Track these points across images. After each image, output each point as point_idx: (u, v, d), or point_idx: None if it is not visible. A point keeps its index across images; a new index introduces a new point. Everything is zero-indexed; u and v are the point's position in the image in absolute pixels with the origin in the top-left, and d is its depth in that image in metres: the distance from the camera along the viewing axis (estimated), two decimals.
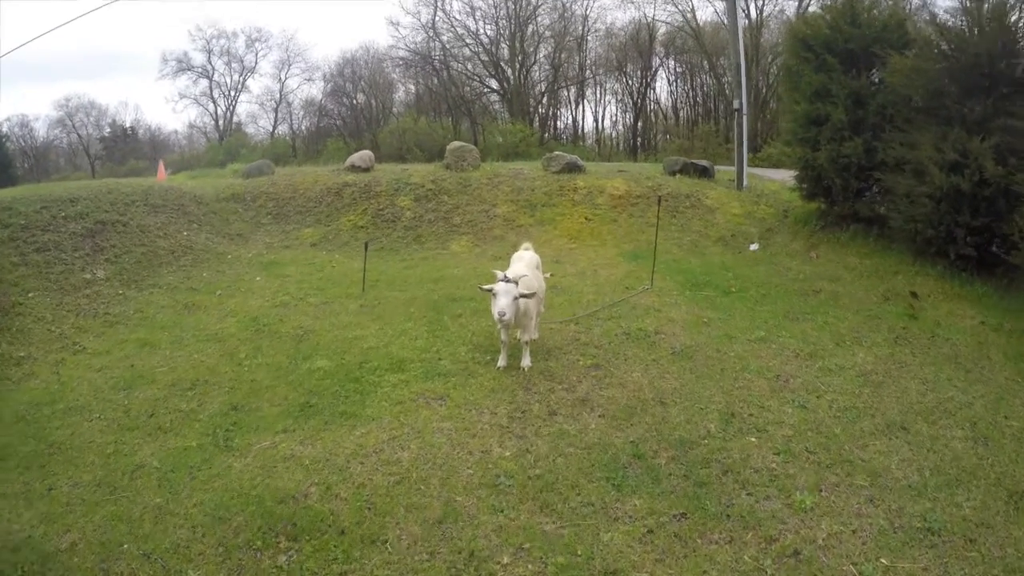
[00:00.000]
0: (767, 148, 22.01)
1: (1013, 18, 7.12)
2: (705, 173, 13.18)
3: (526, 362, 5.36)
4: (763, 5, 29.18)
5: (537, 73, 34.41)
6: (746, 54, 16.42)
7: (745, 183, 12.58)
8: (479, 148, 15.63)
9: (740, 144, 12.87)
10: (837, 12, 9.14)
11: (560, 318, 6.71)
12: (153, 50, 69.61)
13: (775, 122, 27.37)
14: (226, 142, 30.52)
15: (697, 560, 3.14)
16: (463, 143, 14.01)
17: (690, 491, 3.61)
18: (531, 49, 33.31)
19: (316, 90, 43.22)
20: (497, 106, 34.88)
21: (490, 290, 4.93)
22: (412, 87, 36.67)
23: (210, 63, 37.69)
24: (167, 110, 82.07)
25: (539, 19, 32.80)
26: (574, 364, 5.43)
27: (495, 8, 32.26)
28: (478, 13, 32.65)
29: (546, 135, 31.97)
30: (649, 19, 32.46)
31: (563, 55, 33.58)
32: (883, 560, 3.10)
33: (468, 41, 33.29)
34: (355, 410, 4.81)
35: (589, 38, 34.38)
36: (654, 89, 35.63)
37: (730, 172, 13.67)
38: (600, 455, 3.97)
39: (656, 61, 33.89)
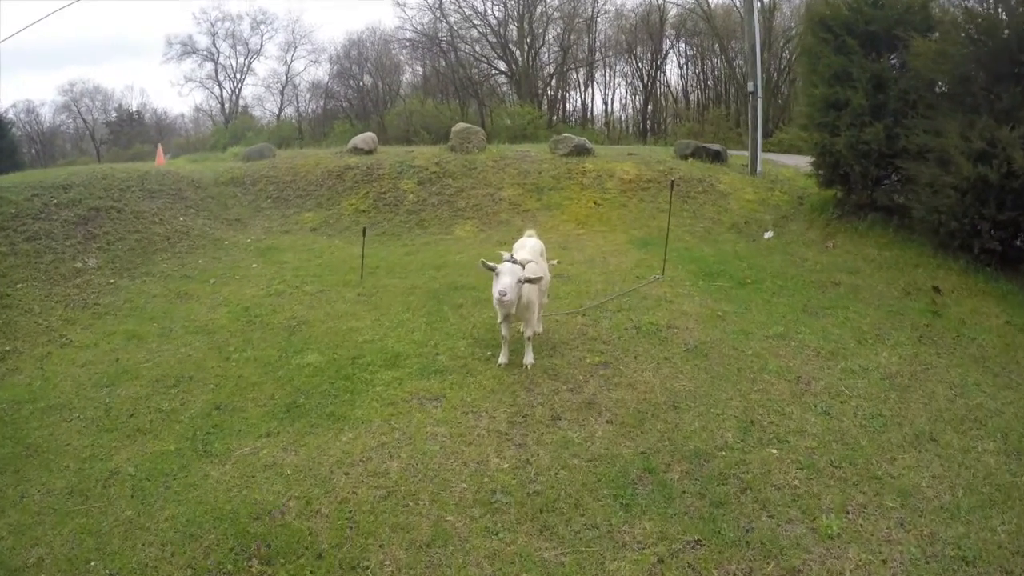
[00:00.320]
0: (779, 133, 21.69)
1: None
2: (718, 157, 12.72)
3: (528, 359, 5.01)
4: None
5: (546, 55, 33.77)
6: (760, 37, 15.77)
7: (759, 168, 12.15)
8: (486, 131, 15.19)
9: (754, 128, 12.40)
10: None
11: (566, 309, 6.32)
12: (157, 34, 69.01)
13: (787, 108, 26.97)
14: (231, 125, 30.17)
15: None
16: (468, 125, 13.56)
17: (706, 512, 3.24)
18: (540, 30, 32.60)
19: (323, 72, 42.73)
20: (505, 88, 34.28)
21: (493, 268, 4.59)
22: (419, 69, 36.11)
23: (215, 46, 37.23)
24: (173, 94, 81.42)
25: (548, 0, 32.04)
26: (580, 361, 5.05)
27: None
28: None
29: (555, 118, 31.32)
30: (660, 1, 31.73)
31: (572, 37, 32.85)
32: None
33: (476, 22, 32.58)
34: (344, 411, 4.47)
35: (599, 20, 33.68)
36: (664, 72, 35.17)
37: (742, 157, 13.23)
38: (607, 468, 3.61)
39: (667, 44, 33.30)
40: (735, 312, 6.18)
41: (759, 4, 24.08)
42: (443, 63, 33.12)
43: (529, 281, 4.60)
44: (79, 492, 3.98)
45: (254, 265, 8.77)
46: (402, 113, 28.78)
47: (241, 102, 37.99)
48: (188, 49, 36.54)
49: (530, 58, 32.47)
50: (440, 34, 32.18)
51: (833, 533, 3.11)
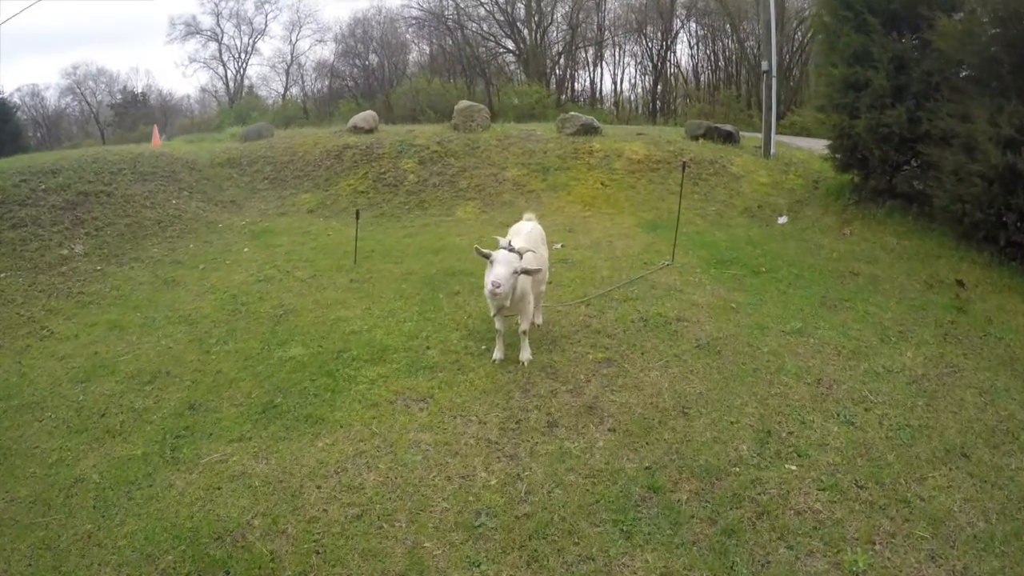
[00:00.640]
0: (791, 115, 21.11)
1: None
2: (730, 138, 12.24)
3: (525, 355, 4.60)
4: None
5: (554, 33, 33.11)
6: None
7: (773, 150, 11.66)
8: (494, 110, 14.68)
9: (768, 108, 11.85)
10: None
11: (570, 299, 5.90)
12: (161, 14, 68.19)
13: (799, 90, 26.32)
14: (236, 105, 29.73)
15: None
16: (472, 102, 13.02)
17: (716, 542, 2.83)
18: (548, 8, 31.78)
19: (328, 52, 42.07)
20: (513, 67, 33.58)
21: (487, 256, 4.16)
22: (426, 48, 35.44)
23: (219, 26, 36.67)
24: (178, 75, 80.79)
25: None
26: (582, 358, 4.64)
27: None
28: None
29: (563, 97, 30.64)
30: None
31: (581, 15, 31.99)
32: None
33: (483, 0, 31.74)
34: (323, 413, 4.11)
35: None
36: (674, 52, 34.66)
37: (755, 139, 12.75)
38: (607, 486, 3.21)
39: (677, 23, 32.63)
40: (749, 304, 5.74)
41: None
42: (450, 42, 32.47)
43: (526, 272, 4.18)
44: (42, 501, 3.69)
45: (246, 249, 8.42)
46: (408, 92, 28.18)
47: (246, 82, 37.57)
48: (192, 30, 36.08)
49: (538, 36, 31.78)
50: (447, 12, 31.44)
51: (859, 569, 2.70)
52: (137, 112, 33.49)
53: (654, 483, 3.21)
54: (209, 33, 36.40)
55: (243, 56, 37.33)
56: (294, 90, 37.62)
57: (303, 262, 7.66)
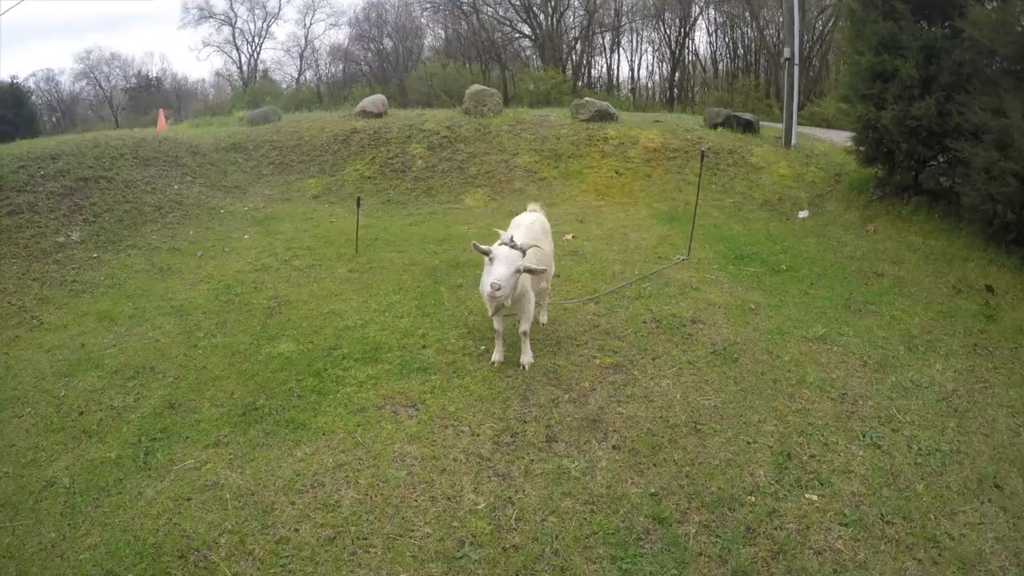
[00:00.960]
0: (810, 106, 20.50)
1: None
2: (749, 128, 11.78)
3: (526, 358, 4.26)
4: None
5: (571, 18, 32.36)
6: None
7: (794, 141, 11.18)
8: (509, 96, 14.25)
9: (790, 97, 11.33)
10: None
11: (578, 295, 5.55)
12: None
13: (819, 80, 25.69)
14: (249, 89, 29.49)
15: None
16: (483, 86, 12.62)
17: None
18: None
19: (342, 35, 41.66)
20: (528, 52, 32.99)
21: (487, 253, 3.79)
22: (441, 32, 34.91)
23: (232, 9, 36.33)
24: (192, 59, 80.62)
25: None
26: (588, 363, 4.29)
27: None
28: None
29: (579, 83, 30.04)
30: None
31: (598, 0, 31.21)
32: None
33: None
34: (305, 418, 3.82)
35: None
36: (692, 39, 34.02)
37: (774, 129, 12.25)
38: (608, 515, 2.87)
39: (696, 10, 31.91)
40: (769, 305, 5.35)
41: None
42: (465, 26, 31.94)
43: (530, 272, 3.81)
44: (11, 506, 3.47)
45: (246, 236, 8.16)
46: (423, 77, 27.79)
47: (260, 66, 37.30)
48: (205, 14, 35.79)
49: (554, 21, 31.14)
50: None
51: None
52: (151, 96, 33.45)
53: (660, 513, 2.86)
54: (222, 17, 36.18)
55: (257, 40, 37.09)
56: (308, 74, 37.37)
57: (303, 250, 7.38)
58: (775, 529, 2.80)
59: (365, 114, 12.29)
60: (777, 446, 3.44)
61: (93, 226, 7.94)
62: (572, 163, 10.20)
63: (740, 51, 33.12)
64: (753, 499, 2.98)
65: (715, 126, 11.75)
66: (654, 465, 3.20)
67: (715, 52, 34.30)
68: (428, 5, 32.78)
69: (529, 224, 4.40)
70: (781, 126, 11.67)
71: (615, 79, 35.09)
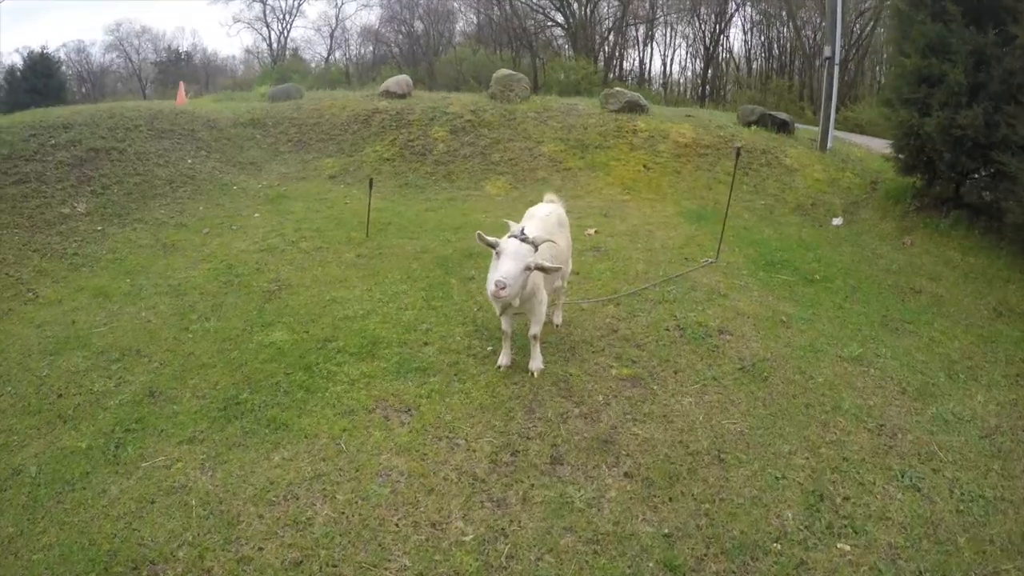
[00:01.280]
0: (844, 111, 19.89)
1: None
2: (784, 128, 11.17)
3: (535, 364, 3.86)
4: None
5: (605, 8, 31.66)
6: None
7: (830, 144, 10.56)
8: (539, 84, 13.73)
9: (828, 98, 10.68)
10: None
11: (597, 295, 5.14)
12: None
13: (855, 85, 24.86)
14: (278, 67, 29.32)
15: None
16: (511, 71, 12.17)
17: None
18: None
19: (373, 16, 41.34)
20: (561, 41, 32.41)
21: (493, 245, 3.38)
22: (473, 18, 34.39)
23: None
24: (222, 35, 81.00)
25: None
26: (603, 373, 3.88)
27: None
28: None
29: (611, 75, 29.34)
30: None
31: None
32: None
33: None
34: (288, 418, 3.50)
35: None
36: (727, 37, 33.60)
37: (809, 131, 11.67)
38: (613, 558, 2.49)
39: (732, 6, 31.22)
40: (801, 318, 4.91)
41: None
42: (497, 12, 31.43)
43: (542, 269, 3.37)
44: None
45: (256, 215, 7.88)
46: (452, 61, 27.33)
47: (290, 44, 37.12)
48: None
49: (588, 10, 30.43)
50: None
51: None
52: (180, 70, 33.51)
53: (672, 559, 2.47)
54: None
55: (287, 18, 36.90)
56: (338, 54, 37.12)
57: (312, 232, 7.07)
58: None
59: (388, 94, 11.93)
60: (808, 483, 3.02)
61: (101, 198, 7.73)
62: (599, 154, 9.73)
63: (775, 51, 32.52)
64: (779, 547, 2.57)
65: (749, 124, 11.19)
66: (669, 499, 2.80)
67: (750, 51, 33.76)
68: None
69: (545, 216, 3.98)
70: (816, 129, 11.12)
71: (647, 73, 34.44)
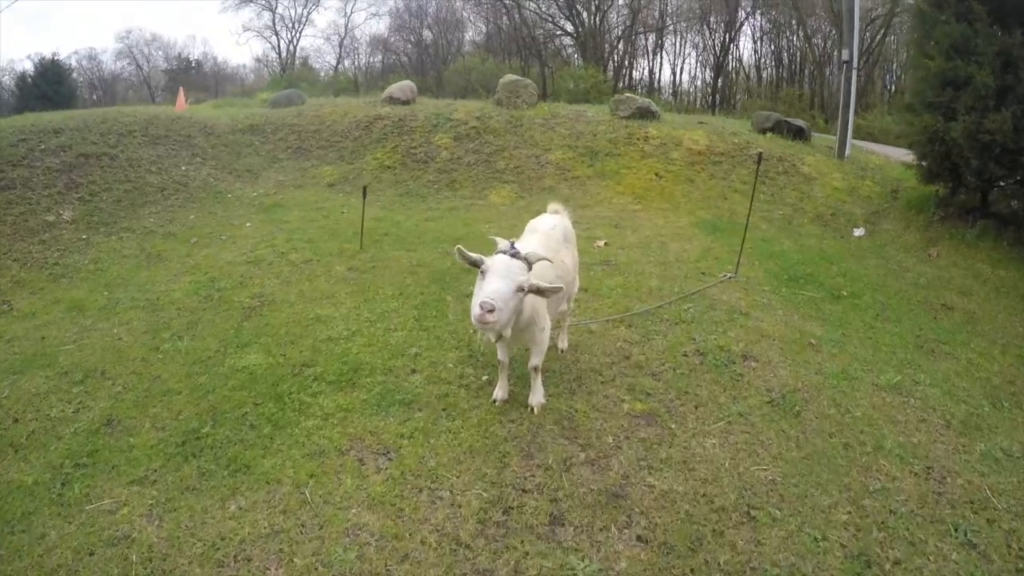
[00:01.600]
0: (856, 119, 19.39)
1: None
2: (800, 134, 10.83)
3: (535, 399, 3.37)
4: None
5: (614, 17, 31.46)
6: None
7: (848, 151, 10.21)
8: (548, 93, 13.33)
9: (846, 104, 10.34)
10: None
11: (606, 315, 4.69)
12: None
13: (866, 93, 24.57)
14: (287, 75, 29.17)
15: None
16: (518, 77, 11.78)
17: None
18: None
19: (383, 25, 41.37)
20: (570, 50, 32.18)
21: (477, 264, 2.81)
22: (482, 27, 34.25)
23: None
24: (232, 44, 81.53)
25: None
26: (614, 408, 3.41)
27: None
28: None
29: (620, 84, 29.04)
30: None
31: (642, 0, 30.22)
32: None
33: None
34: (251, 458, 3.06)
35: None
36: (737, 46, 33.48)
37: (823, 139, 11.36)
38: None
39: (742, 15, 31.12)
40: (831, 340, 4.46)
41: None
42: (506, 21, 31.27)
43: (538, 292, 2.83)
44: None
45: (248, 224, 7.52)
46: (461, 71, 27.07)
47: (300, 53, 37.05)
48: None
49: (597, 19, 30.22)
50: None
51: None
52: (190, 78, 33.51)
53: None
54: (263, 2, 36.01)
55: (297, 27, 36.84)
56: (347, 63, 37.03)
57: (304, 243, 6.67)
58: None
59: (392, 100, 11.59)
60: (852, 545, 2.54)
61: (88, 205, 7.40)
62: (609, 162, 9.30)
63: (785, 60, 32.42)
64: None
65: (764, 131, 10.79)
66: (691, 571, 2.33)
67: (759, 60, 33.63)
68: None
69: (549, 230, 3.50)
70: (829, 137, 10.71)
71: (657, 82, 34.12)
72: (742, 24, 31.69)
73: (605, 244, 6.59)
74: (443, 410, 3.38)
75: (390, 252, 6.39)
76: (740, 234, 5.85)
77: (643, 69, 34.66)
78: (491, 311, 2.57)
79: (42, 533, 2.76)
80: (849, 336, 4.66)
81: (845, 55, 10.45)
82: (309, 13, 36.95)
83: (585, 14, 30.48)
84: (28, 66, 29.45)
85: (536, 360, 3.27)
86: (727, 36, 31.45)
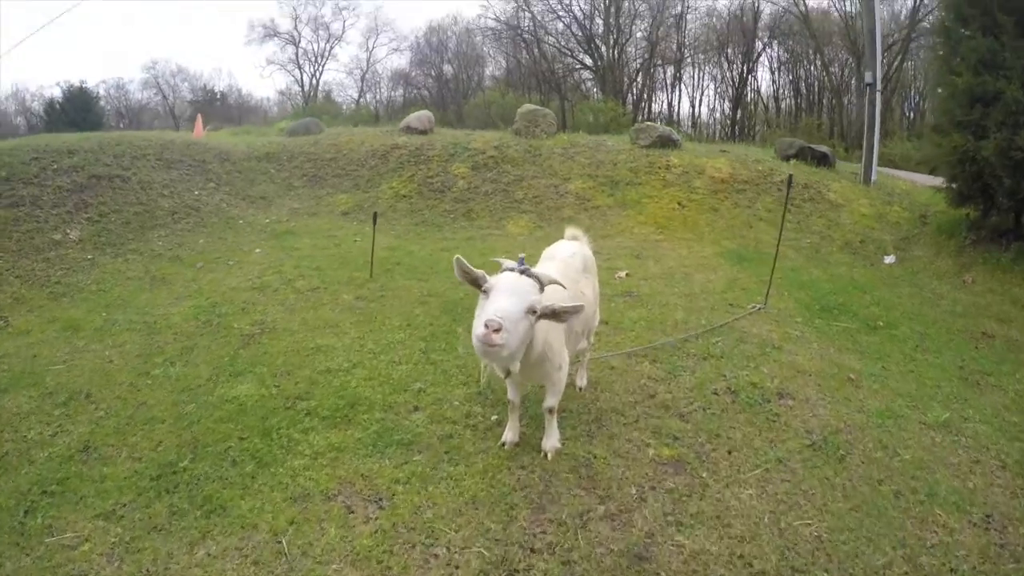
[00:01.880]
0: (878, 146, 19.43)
1: None
2: (824, 161, 10.61)
3: (550, 443, 3.00)
4: None
5: (632, 50, 31.89)
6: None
7: (874, 177, 9.94)
8: (568, 126, 13.26)
9: (871, 128, 10.12)
10: None
11: (628, 347, 4.34)
12: (240, 15, 71.39)
13: (886, 120, 24.50)
14: (309, 107, 29.73)
15: None
16: (537, 107, 11.70)
17: None
18: (626, 25, 30.81)
19: (404, 60, 42.30)
20: (589, 84, 32.56)
21: (479, 281, 2.42)
22: (502, 61, 34.84)
23: (296, 30, 37.15)
24: (255, 76, 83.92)
25: None
26: (637, 454, 3.03)
27: None
28: None
29: (639, 117, 29.13)
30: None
31: (660, 31, 30.74)
32: None
33: (561, 14, 31.05)
34: (228, 498, 2.74)
35: (688, 17, 31.93)
36: (755, 76, 33.37)
37: (849, 166, 11.18)
38: None
39: (759, 45, 31.35)
40: (871, 374, 4.11)
41: None
42: (526, 55, 31.70)
43: (551, 316, 2.44)
44: None
45: (258, 250, 7.33)
46: (481, 104, 27.38)
47: (323, 87, 37.85)
48: (270, 32, 36.69)
49: (615, 53, 30.58)
50: (523, 24, 30.69)
51: None
52: (215, 109, 34.30)
53: None
54: (287, 36, 37.01)
55: (320, 60, 37.77)
56: (368, 97, 37.69)
57: (312, 271, 6.44)
58: None
59: (409, 130, 11.53)
60: None
61: (96, 226, 7.29)
62: (629, 191, 9.05)
63: (803, 89, 32.55)
64: None
65: (787, 158, 10.55)
66: None
67: (778, 90, 33.76)
68: (489, 32, 32.77)
69: (567, 258, 3.16)
70: (852, 165, 10.45)
71: (676, 114, 34.23)
72: (759, 55, 31.94)
73: (627, 275, 6.28)
74: (445, 453, 3.03)
75: (401, 281, 6.14)
76: (767, 264, 5.53)
77: (662, 102, 35.00)
78: (498, 330, 2.17)
79: None
80: (889, 369, 4.29)
81: (868, 77, 10.28)
82: (332, 48, 37.94)
83: (604, 48, 30.89)
84: (57, 92, 30.35)
85: (551, 401, 2.92)
86: (745, 67, 31.65)
